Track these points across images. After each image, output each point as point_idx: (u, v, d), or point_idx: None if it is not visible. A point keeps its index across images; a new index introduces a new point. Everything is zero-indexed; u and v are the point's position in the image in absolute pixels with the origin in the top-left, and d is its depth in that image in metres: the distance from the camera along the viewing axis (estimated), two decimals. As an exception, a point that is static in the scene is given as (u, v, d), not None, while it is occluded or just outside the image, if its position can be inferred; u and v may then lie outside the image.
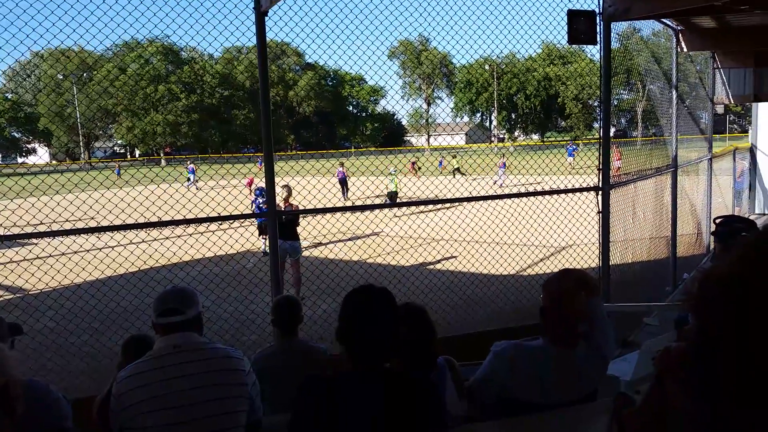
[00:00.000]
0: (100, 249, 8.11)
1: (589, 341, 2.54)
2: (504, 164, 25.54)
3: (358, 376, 2.02)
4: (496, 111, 69.26)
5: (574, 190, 5.93)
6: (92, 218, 5.11)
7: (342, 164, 23.61)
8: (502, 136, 72.68)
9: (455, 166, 28.90)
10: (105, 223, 4.28)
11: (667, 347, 1.03)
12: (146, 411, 2.30)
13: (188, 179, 30.16)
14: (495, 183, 25.08)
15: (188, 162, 33.18)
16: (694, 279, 0.74)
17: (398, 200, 18.87)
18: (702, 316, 0.71)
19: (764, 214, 13.00)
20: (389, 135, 74.43)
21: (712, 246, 8.68)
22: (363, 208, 8.07)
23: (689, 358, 0.74)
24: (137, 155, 68.89)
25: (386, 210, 16.28)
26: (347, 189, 23.12)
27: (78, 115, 59.78)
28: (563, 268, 2.67)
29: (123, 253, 8.25)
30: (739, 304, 0.66)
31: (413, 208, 17.98)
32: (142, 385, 2.34)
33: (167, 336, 2.45)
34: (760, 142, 13.05)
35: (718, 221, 3.99)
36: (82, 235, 4.47)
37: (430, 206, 17.11)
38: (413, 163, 31.63)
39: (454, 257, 10.43)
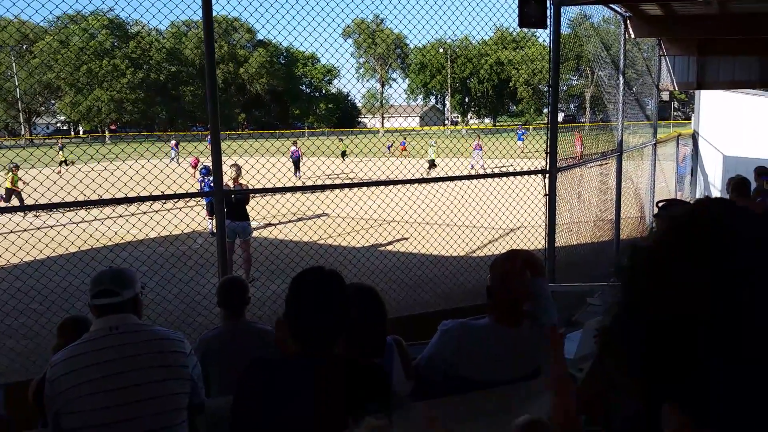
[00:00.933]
0: (38, 228, 7.78)
1: (533, 320, 2.58)
2: (480, 146, 23.73)
3: (303, 360, 1.97)
4: (449, 94, 69.50)
5: (522, 173, 6.02)
6: (29, 195, 4.86)
7: (295, 143, 23.30)
8: (455, 119, 73.02)
9: (342, 150, 28.86)
10: (44, 202, 4.09)
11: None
12: (83, 394, 2.22)
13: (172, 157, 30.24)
14: (473, 168, 23.42)
15: (171, 139, 33.41)
16: (623, 252, 0.74)
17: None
18: (627, 288, 0.71)
19: (704, 199, 13.47)
20: (343, 116, 73.78)
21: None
22: (314, 188, 7.99)
23: (617, 333, 0.74)
24: (81, 132, 66.21)
25: (337, 189, 16.17)
26: (299, 169, 22.87)
27: (17, 89, 56.89)
28: (510, 249, 2.70)
29: (63, 232, 7.94)
30: (662, 274, 0.66)
31: (365, 189, 17.92)
32: (78, 369, 2.25)
33: (104, 318, 2.37)
34: (702, 128, 13.48)
35: (660, 205, 4.08)
36: (18, 213, 4.27)
37: (382, 187, 17.08)
38: (403, 144, 31.28)
39: (405, 239, 10.46)
